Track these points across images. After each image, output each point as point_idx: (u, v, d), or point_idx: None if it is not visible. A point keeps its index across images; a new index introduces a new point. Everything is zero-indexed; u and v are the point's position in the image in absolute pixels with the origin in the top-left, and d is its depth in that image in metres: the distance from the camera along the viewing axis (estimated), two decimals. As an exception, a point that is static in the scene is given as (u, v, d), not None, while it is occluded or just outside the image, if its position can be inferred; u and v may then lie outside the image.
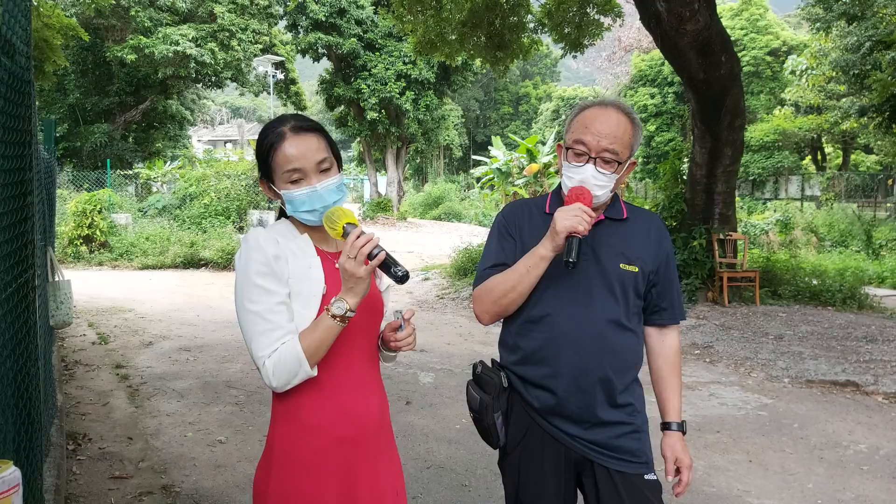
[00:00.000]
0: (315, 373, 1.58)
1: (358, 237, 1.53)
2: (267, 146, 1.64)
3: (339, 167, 1.70)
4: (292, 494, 1.61)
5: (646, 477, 1.89)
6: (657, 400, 2.03)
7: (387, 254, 1.54)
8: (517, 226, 1.98)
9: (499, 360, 2.04)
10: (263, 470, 1.67)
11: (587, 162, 1.84)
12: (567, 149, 1.89)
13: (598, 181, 1.84)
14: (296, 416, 1.63)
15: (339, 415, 1.64)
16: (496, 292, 1.90)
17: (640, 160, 34.21)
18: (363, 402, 1.69)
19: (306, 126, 1.65)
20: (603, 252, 1.89)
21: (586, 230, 1.75)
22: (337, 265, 1.62)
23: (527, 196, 24.16)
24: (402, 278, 1.54)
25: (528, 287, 1.86)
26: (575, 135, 1.87)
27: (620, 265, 1.88)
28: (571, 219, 1.74)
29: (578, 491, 1.99)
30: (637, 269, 1.89)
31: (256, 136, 1.78)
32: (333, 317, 1.54)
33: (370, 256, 1.52)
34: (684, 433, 1.97)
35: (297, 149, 1.61)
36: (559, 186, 1.98)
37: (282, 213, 1.75)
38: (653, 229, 1.97)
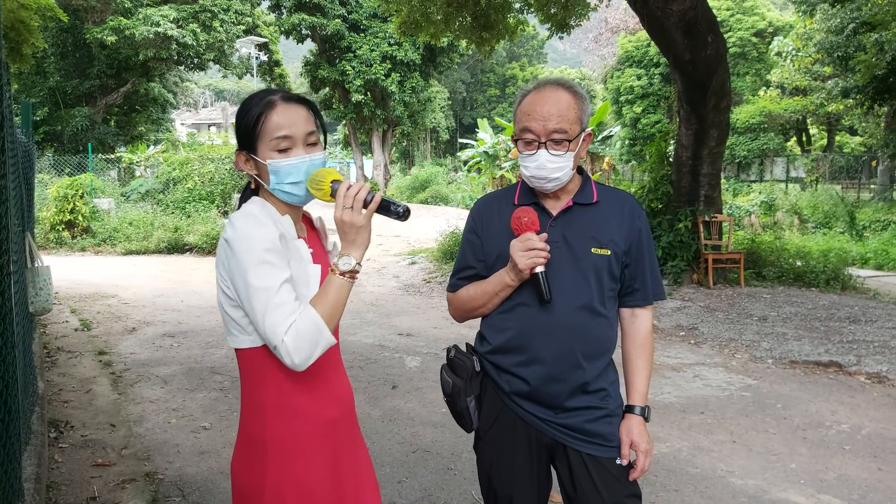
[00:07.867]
0: (335, 340, 1.52)
1: (349, 188, 1.51)
2: (255, 113, 1.57)
3: (324, 146, 1.66)
4: (293, 482, 1.56)
5: (618, 461, 1.89)
6: (625, 382, 2.00)
7: (383, 195, 1.52)
8: (483, 224, 2.00)
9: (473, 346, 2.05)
10: (254, 464, 1.58)
11: (538, 148, 1.83)
12: (517, 140, 1.88)
13: (553, 164, 1.83)
14: (289, 403, 1.57)
15: (328, 397, 1.62)
16: (467, 306, 2.00)
17: (627, 142, 34.18)
18: (342, 381, 1.69)
19: (296, 98, 1.62)
20: (573, 238, 1.88)
21: (546, 259, 1.79)
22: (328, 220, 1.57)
23: (514, 180, 24.15)
24: (404, 214, 1.52)
25: (496, 305, 1.93)
26: (521, 124, 1.87)
27: (592, 249, 1.87)
28: (528, 259, 1.77)
29: (553, 475, 1.98)
30: (609, 252, 1.88)
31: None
32: (342, 274, 1.51)
33: (365, 203, 1.51)
34: (647, 419, 1.94)
35: (288, 118, 1.56)
36: None
37: (246, 193, 1.67)
38: (625, 209, 1.94)
